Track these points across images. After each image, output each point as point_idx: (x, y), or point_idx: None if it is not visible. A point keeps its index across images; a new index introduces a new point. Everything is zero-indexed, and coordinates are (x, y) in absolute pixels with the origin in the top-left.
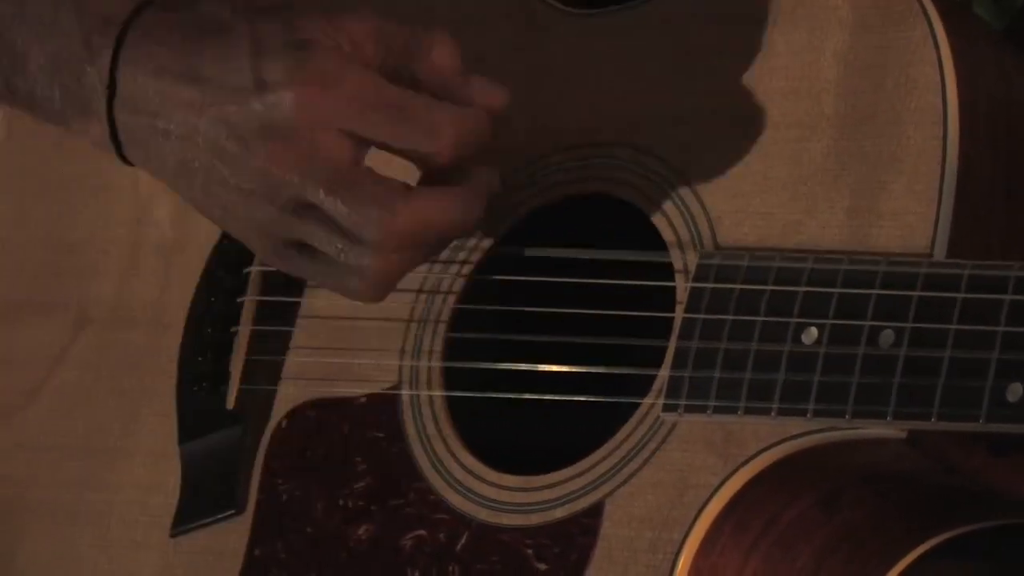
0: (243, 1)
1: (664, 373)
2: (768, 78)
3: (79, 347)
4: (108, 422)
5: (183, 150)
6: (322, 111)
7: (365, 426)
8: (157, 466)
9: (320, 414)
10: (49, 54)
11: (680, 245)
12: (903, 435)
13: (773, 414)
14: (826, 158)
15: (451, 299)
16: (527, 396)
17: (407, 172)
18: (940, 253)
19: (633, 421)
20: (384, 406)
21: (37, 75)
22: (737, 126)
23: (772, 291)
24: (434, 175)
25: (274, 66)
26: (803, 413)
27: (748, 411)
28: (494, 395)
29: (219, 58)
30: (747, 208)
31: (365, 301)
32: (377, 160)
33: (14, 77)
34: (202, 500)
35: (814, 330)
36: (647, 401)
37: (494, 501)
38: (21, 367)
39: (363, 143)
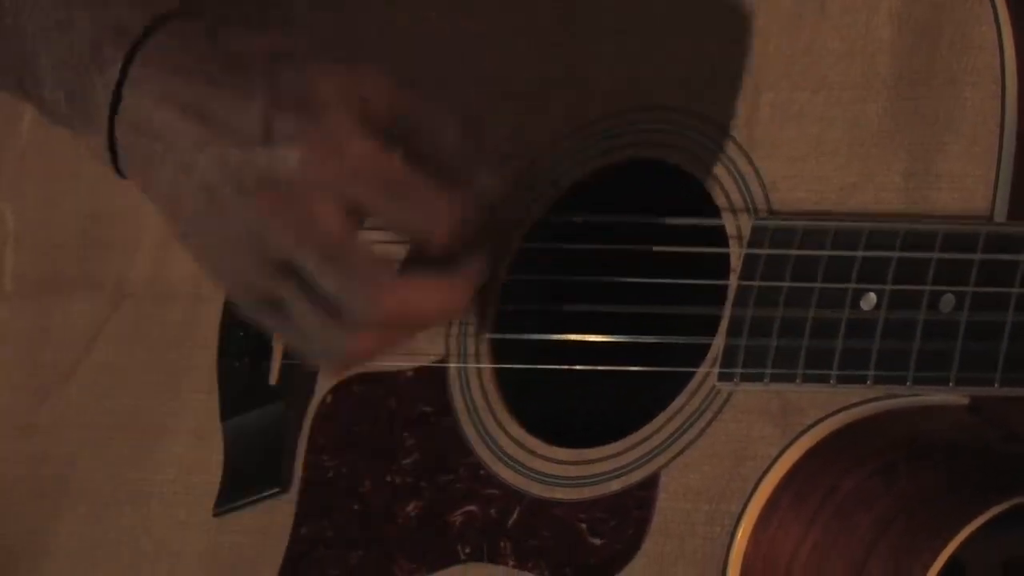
0: (268, 40)
1: (719, 341)
2: (822, 39)
3: (116, 323)
4: (148, 399)
5: (177, 181)
6: (326, 175)
7: (412, 400)
8: (199, 444)
9: (365, 389)
10: (58, 57)
11: (733, 210)
12: (965, 401)
13: (832, 382)
14: (881, 120)
15: (501, 270)
16: (577, 368)
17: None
18: (1000, 215)
19: (687, 391)
20: (431, 380)
21: (46, 76)
22: (790, 88)
23: (829, 256)
24: (425, 254)
25: (286, 120)
26: (863, 380)
27: (806, 379)
28: (543, 367)
29: (232, 99)
30: (801, 172)
31: (327, 374)
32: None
33: (25, 75)
34: (246, 478)
35: (873, 295)
36: (702, 371)
37: (546, 475)
38: (58, 344)
39: (360, 214)
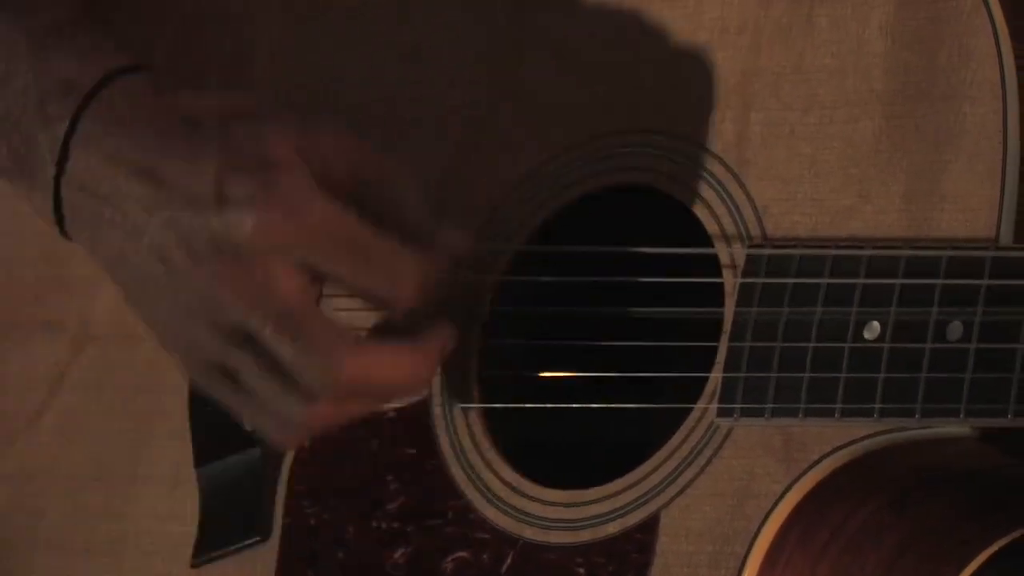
0: (222, 98)
1: (717, 375)
2: (813, 55)
3: (81, 366)
4: (118, 446)
5: (126, 245)
6: (282, 238)
7: (395, 442)
8: (173, 492)
9: (346, 431)
10: (1, 110)
11: (726, 237)
12: (975, 432)
13: (837, 415)
14: (878, 139)
15: (482, 303)
16: (567, 406)
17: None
18: (1007, 237)
19: (685, 428)
20: (415, 420)
21: None
22: (780, 108)
23: (829, 284)
24: (390, 320)
25: (240, 182)
26: (869, 414)
27: (809, 413)
28: (532, 405)
29: (184, 160)
30: (796, 195)
31: (278, 448)
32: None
33: None
34: (224, 527)
35: (876, 324)
36: (700, 406)
37: (540, 518)
38: (20, 390)
39: (318, 279)
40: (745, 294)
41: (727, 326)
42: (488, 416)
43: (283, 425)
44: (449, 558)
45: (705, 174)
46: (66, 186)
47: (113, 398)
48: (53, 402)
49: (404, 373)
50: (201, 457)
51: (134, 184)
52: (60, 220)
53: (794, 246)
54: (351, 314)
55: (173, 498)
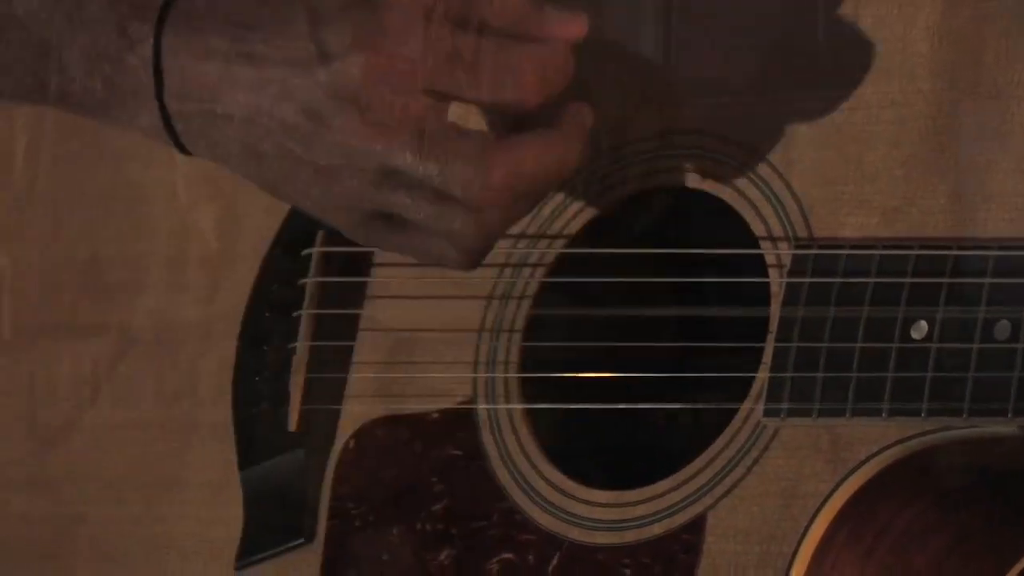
0: None
1: (763, 375)
2: (858, 56)
3: (122, 371)
4: (160, 450)
5: (248, 134)
6: (393, 72)
7: (440, 444)
8: (216, 496)
9: (390, 433)
10: (83, 47)
11: (772, 237)
12: (1022, 432)
13: (884, 415)
14: (924, 139)
15: (525, 305)
16: (613, 406)
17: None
18: None
19: (731, 428)
20: (459, 422)
21: (73, 69)
22: (827, 109)
23: (876, 283)
24: (522, 123)
25: (335, 32)
26: (916, 413)
27: (856, 413)
28: (576, 406)
29: (274, 33)
30: (842, 196)
31: (462, 269)
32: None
33: (45, 73)
34: (267, 530)
35: (924, 323)
36: (746, 406)
37: (585, 519)
38: (61, 394)
39: (442, 99)
40: (792, 294)
41: (773, 326)
42: (532, 417)
43: (459, 246)
44: (494, 559)
45: (753, 176)
46: (170, 99)
47: (154, 402)
48: (93, 407)
49: (552, 157)
50: (244, 460)
51: (235, 71)
52: (175, 137)
53: (841, 246)
54: None
55: (216, 502)
